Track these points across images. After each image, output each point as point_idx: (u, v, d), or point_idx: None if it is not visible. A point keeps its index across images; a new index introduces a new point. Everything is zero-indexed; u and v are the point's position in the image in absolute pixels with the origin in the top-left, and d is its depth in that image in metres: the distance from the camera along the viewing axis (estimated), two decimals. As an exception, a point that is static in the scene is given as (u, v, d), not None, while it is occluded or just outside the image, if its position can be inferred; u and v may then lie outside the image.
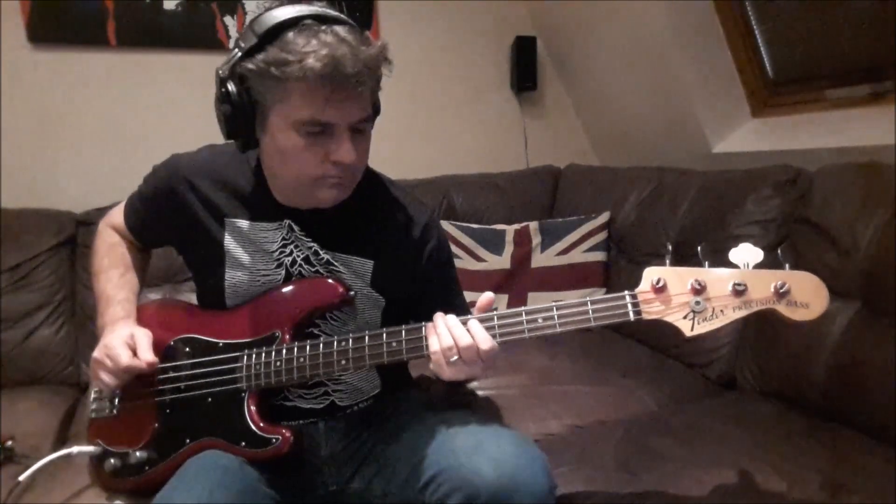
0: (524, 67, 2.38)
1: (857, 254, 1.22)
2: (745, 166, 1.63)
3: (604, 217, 1.94)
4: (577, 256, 1.93)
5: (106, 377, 0.94)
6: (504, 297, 1.94)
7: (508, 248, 1.97)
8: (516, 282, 1.95)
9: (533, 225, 2.00)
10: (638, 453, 1.13)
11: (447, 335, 0.84)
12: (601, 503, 1.02)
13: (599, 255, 1.92)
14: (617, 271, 1.91)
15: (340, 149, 0.85)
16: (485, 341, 0.83)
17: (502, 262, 1.96)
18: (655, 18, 1.88)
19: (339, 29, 0.82)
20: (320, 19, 0.82)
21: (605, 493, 1.03)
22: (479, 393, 1.40)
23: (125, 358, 0.93)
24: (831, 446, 1.10)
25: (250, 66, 0.83)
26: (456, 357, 0.83)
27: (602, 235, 1.93)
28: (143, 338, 0.96)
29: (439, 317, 0.87)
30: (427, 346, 0.86)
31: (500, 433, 0.86)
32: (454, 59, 2.35)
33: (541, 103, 2.51)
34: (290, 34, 0.81)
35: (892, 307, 1.15)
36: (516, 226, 2.01)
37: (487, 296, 0.87)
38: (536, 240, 1.98)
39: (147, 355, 0.94)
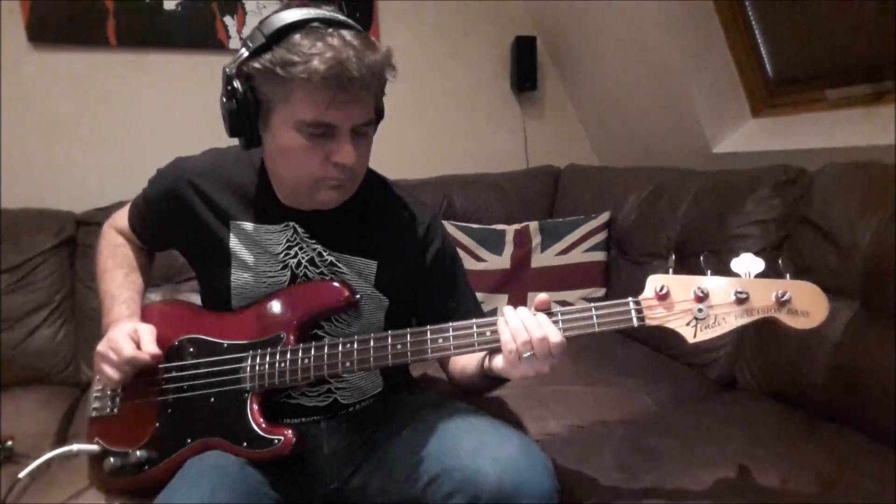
0: (524, 67, 2.38)
1: (857, 254, 1.22)
2: (745, 166, 1.63)
3: (604, 217, 1.94)
4: (577, 256, 1.93)
5: (109, 370, 0.94)
6: (504, 298, 1.94)
7: (508, 248, 1.97)
8: (516, 282, 1.95)
9: (533, 225, 2.00)
10: (638, 453, 1.13)
11: (522, 330, 0.81)
12: (601, 503, 1.02)
13: (599, 255, 1.93)
14: (617, 271, 1.91)
15: (342, 150, 0.86)
16: (554, 334, 0.81)
17: (502, 262, 1.96)
18: (655, 18, 1.88)
19: (346, 33, 0.83)
20: (327, 23, 0.83)
21: (605, 493, 1.03)
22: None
23: (129, 350, 0.93)
24: (831, 446, 1.10)
25: (256, 65, 0.84)
26: (530, 352, 0.81)
27: (602, 235, 1.93)
28: (147, 332, 0.96)
29: (510, 310, 0.84)
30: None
31: (503, 434, 0.86)
32: (454, 59, 2.35)
33: (541, 103, 2.51)
34: (297, 36, 0.82)
35: (892, 307, 1.15)
36: (516, 226, 2.01)
37: (542, 297, 0.85)
38: (536, 240, 1.98)
39: (151, 347, 0.94)
